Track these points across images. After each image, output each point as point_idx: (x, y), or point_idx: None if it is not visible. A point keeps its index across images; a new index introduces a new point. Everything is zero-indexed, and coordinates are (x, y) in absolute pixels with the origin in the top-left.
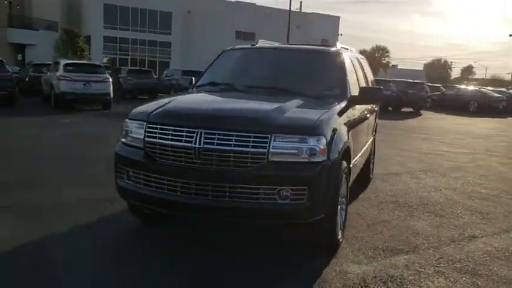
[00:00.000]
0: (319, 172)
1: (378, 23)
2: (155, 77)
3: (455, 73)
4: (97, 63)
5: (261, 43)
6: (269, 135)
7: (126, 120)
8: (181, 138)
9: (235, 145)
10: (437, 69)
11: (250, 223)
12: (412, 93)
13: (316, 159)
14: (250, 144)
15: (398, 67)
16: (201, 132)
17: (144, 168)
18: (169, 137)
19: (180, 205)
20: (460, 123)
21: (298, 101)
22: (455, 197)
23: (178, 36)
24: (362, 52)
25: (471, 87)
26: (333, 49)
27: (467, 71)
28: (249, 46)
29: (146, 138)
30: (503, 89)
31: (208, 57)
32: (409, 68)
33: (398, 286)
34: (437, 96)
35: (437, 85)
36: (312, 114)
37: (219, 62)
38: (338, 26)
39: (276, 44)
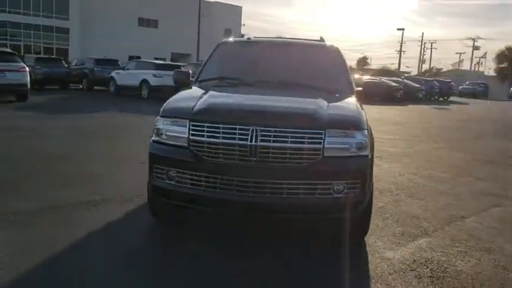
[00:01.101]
0: (367, 165)
1: (279, 14)
2: (66, 65)
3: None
4: (8, 50)
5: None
6: (323, 131)
7: (159, 118)
8: (235, 136)
9: (291, 142)
10: None
11: (306, 218)
12: None
13: (363, 153)
14: (306, 140)
15: None
16: (256, 130)
17: (191, 168)
18: (220, 135)
19: (237, 203)
20: (371, 111)
21: (325, 97)
22: (421, 181)
23: (76, 21)
24: None
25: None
26: (331, 44)
27: (363, 61)
28: (246, 39)
29: (191, 137)
30: (399, 79)
31: (110, 44)
32: None
33: (437, 267)
34: None
35: None
36: (350, 110)
37: (218, 56)
38: (241, 16)
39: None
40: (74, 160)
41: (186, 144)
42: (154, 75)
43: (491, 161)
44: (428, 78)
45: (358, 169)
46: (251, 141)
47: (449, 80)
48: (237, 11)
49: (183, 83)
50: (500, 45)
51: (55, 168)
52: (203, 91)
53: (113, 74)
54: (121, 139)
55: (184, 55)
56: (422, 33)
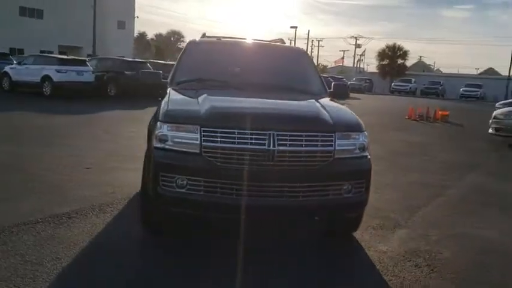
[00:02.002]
0: (370, 165)
1: (172, 7)
2: None
3: None
4: None
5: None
6: (333, 134)
7: (162, 123)
8: (251, 141)
9: (305, 145)
10: None
11: (319, 219)
12: None
13: (365, 153)
14: (319, 143)
15: None
16: (273, 134)
17: (205, 175)
18: (236, 140)
19: (255, 208)
20: None
21: (314, 99)
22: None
23: None
24: (158, 36)
25: None
26: (299, 47)
27: None
28: (217, 40)
29: (204, 143)
30: None
31: None
32: None
33: (428, 256)
34: None
35: None
36: (347, 112)
37: (192, 56)
38: (134, 8)
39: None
40: None
41: (197, 151)
42: (58, 71)
43: (406, 153)
44: (324, 75)
45: (364, 169)
46: (269, 146)
47: (342, 77)
48: (129, 2)
49: (154, 85)
50: (376, 44)
51: None
52: (196, 94)
53: (7, 69)
54: (32, 143)
55: (75, 48)
56: (309, 30)
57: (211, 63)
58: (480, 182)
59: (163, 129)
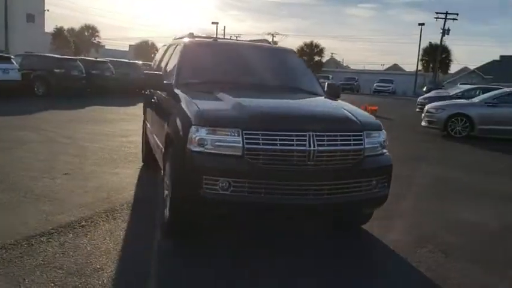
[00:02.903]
0: (391, 161)
1: (86, 3)
2: None
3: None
4: None
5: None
6: (362, 133)
7: (198, 127)
8: (292, 142)
9: (340, 144)
10: (145, 50)
11: (353, 215)
12: None
13: (384, 151)
14: (352, 142)
15: (106, 47)
16: (312, 135)
17: (249, 176)
18: (278, 142)
19: (297, 207)
20: None
21: (329, 99)
22: None
23: None
24: (71, 31)
25: None
26: (291, 48)
27: None
28: (214, 40)
29: (246, 146)
30: None
31: None
32: (117, 49)
33: (437, 242)
34: None
35: None
36: (363, 112)
37: (192, 57)
38: (44, 1)
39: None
40: None
41: (240, 153)
42: None
43: None
44: None
45: (387, 165)
46: (309, 146)
47: None
48: None
49: (154, 87)
50: (291, 41)
51: None
52: (216, 96)
53: None
54: None
55: None
56: (224, 26)
57: (215, 64)
58: (437, 172)
59: (201, 132)
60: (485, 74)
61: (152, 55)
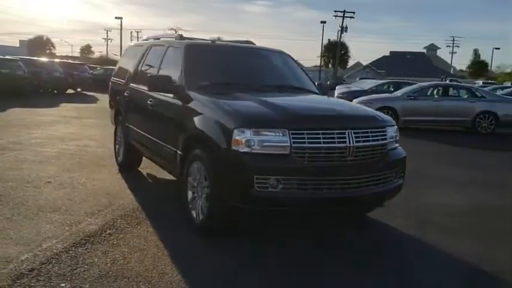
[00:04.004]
0: (404, 153)
1: None
2: None
3: (64, 51)
4: None
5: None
6: (385, 128)
7: (244, 129)
8: (334, 139)
9: (371, 140)
10: (40, 46)
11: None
12: (77, 75)
13: (397, 144)
14: (379, 137)
15: None
16: (350, 132)
17: (298, 173)
18: (321, 140)
19: (341, 200)
20: None
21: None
22: None
23: None
24: None
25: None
26: (283, 51)
27: (86, 50)
28: (212, 42)
29: (293, 145)
30: None
31: None
32: (4, 44)
33: (435, 222)
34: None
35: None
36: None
37: (197, 60)
38: None
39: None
40: None
41: (287, 152)
42: None
43: None
44: None
45: (402, 157)
46: (348, 143)
47: None
48: None
49: (162, 89)
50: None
51: None
52: (240, 97)
53: None
54: None
55: None
56: (121, 20)
57: (220, 66)
58: None
59: (246, 134)
60: (378, 68)
61: (47, 51)
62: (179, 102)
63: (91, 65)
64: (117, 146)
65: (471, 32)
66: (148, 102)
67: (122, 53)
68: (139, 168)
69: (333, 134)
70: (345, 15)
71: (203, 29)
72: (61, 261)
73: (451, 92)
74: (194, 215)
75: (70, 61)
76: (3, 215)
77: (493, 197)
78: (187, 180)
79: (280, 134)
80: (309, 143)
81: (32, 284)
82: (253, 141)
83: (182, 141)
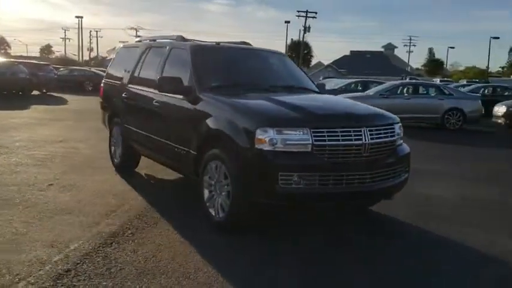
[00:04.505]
0: (409, 149)
1: None
2: None
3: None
4: None
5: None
6: (394, 126)
7: (267, 129)
8: (351, 137)
9: (384, 136)
10: None
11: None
12: (43, 75)
13: (401, 141)
14: (389, 134)
15: None
16: (365, 130)
17: (319, 170)
18: (340, 137)
19: (363, 194)
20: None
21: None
22: None
23: None
24: None
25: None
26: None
27: (47, 49)
28: (216, 44)
29: (315, 142)
30: (86, 68)
31: None
32: None
33: (424, 218)
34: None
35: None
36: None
37: (204, 62)
38: None
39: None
40: None
41: (309, 150)
42: None
43: None
44: None
45: (408, 153)
46: (365, 140)
47: None
48: None
49: (173, 91)
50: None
51: None
52: (254, 97)
53: None
54: None
55: None
56: (79, 20)
57: (228, 68)
58: None
59: (270, 133)
60: (339, 67)
61: (2, 51)
62: (190, 103)
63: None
64: (112, 148)
65: (427, 31)
66: (154, 103)
67: (113, 55)
68: (135, 170)
69: (350, 131)
70: (308, 15)
71: (164, 28)
72: (94, 261)
73: (421, 90)
74: (213, 212)
75: (34, 61)
76: (18, 218)
77: (470, 187)
78: (203, 179)
79: (302, 133)
80: (328, 140)
81: (74, 284)
82: (276, 140)
83: (196, 141)
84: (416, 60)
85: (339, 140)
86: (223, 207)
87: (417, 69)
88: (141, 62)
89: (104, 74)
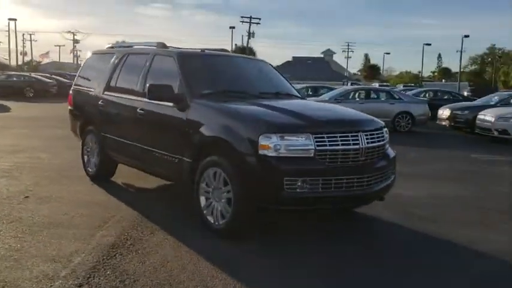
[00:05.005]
0: (395, 152)
1: None
2: None
3: None
4: None
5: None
6: (383, 130)
7: (270, 135)
8: (349, 141)
9: (377, 141)
10: None
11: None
12: None
13: (388, 145)
14: (381, 138)
15: None
16: (362, 135)
17: (321, 174)
18: (339, 142)
19: (361, 196)
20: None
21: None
22: None
23: None
24: None
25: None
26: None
27: None
28: (202, 51)
29: (317, 147)
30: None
31: None
32: None
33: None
34: None
35: None
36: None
37: (193, 69)
38: None
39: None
40: None
41: (312, 155)
42: None
43: None
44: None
45: (394, 156)
46: (361, 144)
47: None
48: None
49: (163, 98)
50: (94, 39)
51: None
52: (248, 103)
53: None
54: None
55: None
56: (14, 21)
57: (216, 75)
58: None
59: (273, 139)
60: (283, 73)
61: None
62: (182, 111)
63: None
64: (85, 157)
65: (364, 37)
66: (138, 111)
67: (84, 61)
68: (111, 179)
69: (348, 136)
70: (252, 21)
71: (101, 31)
72: (104, 274)
73: (372, 95)
74: (211, 220)
75: None
76: (7, 233)
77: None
78: (200, 187)
79: (304, 138)
80: (329, 145)
81: None
82: (279, 146)
83: (191, 148)
84: (353, 66)
85: (338, 145)
86: (223, 214)
87: (355, 74)
88: (118, 69)
89: (48, 80)
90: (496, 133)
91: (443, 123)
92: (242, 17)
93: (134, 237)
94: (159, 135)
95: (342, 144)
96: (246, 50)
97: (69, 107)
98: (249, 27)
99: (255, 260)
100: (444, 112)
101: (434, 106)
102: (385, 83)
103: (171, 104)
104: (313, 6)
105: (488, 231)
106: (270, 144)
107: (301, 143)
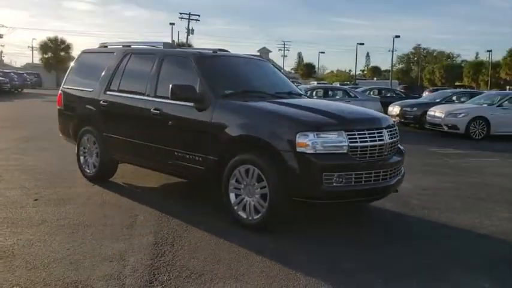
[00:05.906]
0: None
1: None
2: None
3: None
4: None
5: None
6: (396, 127)
7: (308, 133)
8: (375, 137)
9: (395, 136)
10: None
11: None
12: None
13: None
14: (396, 134)
15: None
16: (385, 131)
17: (354, 169)
18: (368, 138)
19: (385, 189)
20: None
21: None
22: None
23: None
24: None
25: None
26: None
27: None
28: (214, 52)
29: (350, 144)
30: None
31: None
32: None
33: (403, 202)
34: None
35: None
36: None
37: (212, 70)
38: None
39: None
40: None
41: (346, 151)
42: None
43: None
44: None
45: (404, 151)
46: (386, 140)
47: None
48: None
49: (187, 98)
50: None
51: None
52: (271, 103)
53: None
54: None
55: None
56: None
57: (236, 76)
58: None
59: (310, 137)
60: None
61: None
62: (204, 111)
63: None
64: (82, 158)
65: (299, 36)
66: (152, 111)
67: (74, 61)
68: (110, 179)
69: (374, 133)
70: (191, 18)
71: (25, 26)
72: (165, 270)
73: (330, 93)
74: (244, 215)
75: None
76: (46, 237)
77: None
78: (229, 183)
79: (338, 135)
80: (360, 142)
81: None
82: (316, 143)
83: (217, 147)
84: (288, 64)
85: (367, 141)
86: (257, 209)
87: (289, 72)
88: (121, 68)
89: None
90: (446, 128)
91: (394, 119)
92: (181, 13)
93: (172, 235)
94: (179, 134)
95: (370, 140)
96: (185, 47)
97: (59, 107)
98: (188, 23)
99: (300, 250)
100: (394, 109)
101: (382, 104)
102: (322, 81)
103: (191, 104)
104: (248, 4)
105: (481, 217)
106: (308, 142)
107: (336, 140)
